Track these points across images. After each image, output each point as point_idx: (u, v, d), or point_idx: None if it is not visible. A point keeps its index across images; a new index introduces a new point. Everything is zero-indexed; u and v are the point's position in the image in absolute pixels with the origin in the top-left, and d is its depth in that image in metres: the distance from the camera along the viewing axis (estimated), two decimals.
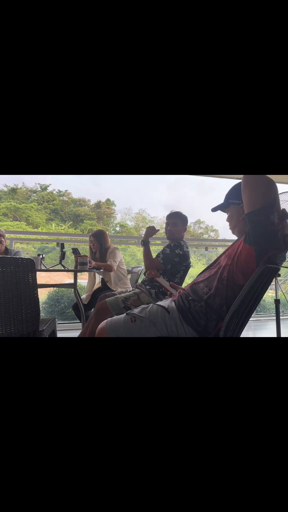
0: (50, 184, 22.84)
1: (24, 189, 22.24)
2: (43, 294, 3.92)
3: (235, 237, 1.02)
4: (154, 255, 1.77)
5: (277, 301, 2.22)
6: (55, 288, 3.53)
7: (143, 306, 1.00)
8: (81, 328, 2.06)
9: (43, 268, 2.17)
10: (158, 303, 0.99)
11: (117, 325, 0.96)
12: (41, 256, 2.10)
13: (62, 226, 20.10)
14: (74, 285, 2.01)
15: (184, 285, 1.66)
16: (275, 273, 0.86)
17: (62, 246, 2.35)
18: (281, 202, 0.97)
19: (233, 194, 1.00)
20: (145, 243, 1.78)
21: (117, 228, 23.72)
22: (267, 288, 0.88)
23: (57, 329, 1.65)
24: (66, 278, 4.70)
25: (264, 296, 0.91)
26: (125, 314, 0.99)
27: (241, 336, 0.88)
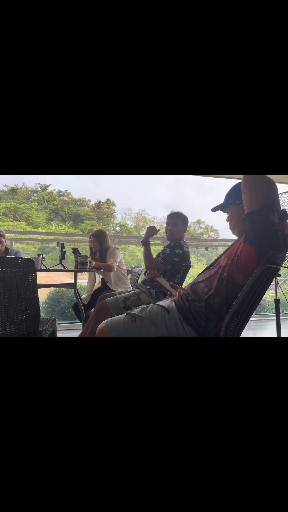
0: (50, 184, 22.87)
1: (24, 189, 22.25)
2: (43, 294, 3.92)
3: (235, 237, 1.02)
4: (154, 255, 1.77)
5: (277, 301, 2.22)
6: (55, 288, 3.53)
7: (143, 306, 1.00)
8: (81, 328, 2.06)
9: (43, 268, 2.17)
10: (158, 303, 0.99)
11: (117, 325, 0.96)
12: (41, 256, 2.10)
13: (62, 226, 20.11)
14: (74, 285, 2.01)
15: (184, 285, 1.66)
16: (275, 273, 0.86)
17: (62, 246, 2.35)
18: (281, 202, 0.97)
19: (233, 194, 1.00)
20: (146, 243, 1.78)
21: (117, 228, 23.72)
22: (267, 288, 0.88)
23: (57, 329, 1.65)
24: (66, 278, 4.70)
25: (264, 296, 0.91)
26: (125, 314, 0.99)
27: (241, 336, 0.88)
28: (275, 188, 0.80)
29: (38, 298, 1.27)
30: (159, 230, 1.86)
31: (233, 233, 1.03)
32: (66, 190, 23.75)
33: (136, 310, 0.98)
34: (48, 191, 22.73)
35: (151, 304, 0.99)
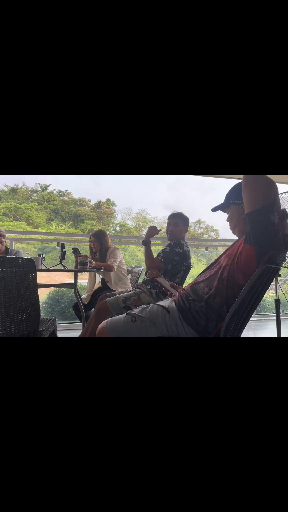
0: (51, 184, 22.86)
1: (24, 189, 22.25)
2: (43, 294, 3.93)
3: (235, 237, 1.02)
4: (155, 255, 1.77)
5: (277, 301, 2.21)
6: (55, 288, 3.53)
7: (143, 306, 1.00)
8: (81, 328, 2.06)
9: (43, 268, 2.18)
10: (159, 303, 0.99)
11: (118, 325, 0.96)
12: (41, 256, 2.10)
13: (62, 226, 20.11)
14: (74, 285, 2.01)
15: (184, 285, 1.66)
16: (275, 273, 0.86)
17: (63, 246, 2.35)
18: (281, 202, 0.97)
19: (234, 194, 1.00)
20: (146, 243, 1.78)
21: (117, 228, 23.72)
22: (268, 288, 0.88)
23: (57, 329, 1.65)
24: (66, 278, 4.70)
25: (264, 296, 0.91)
26: (125, 314, 0.99)
27: (241, 336, 0.88)
28: (275, 188, 0.80)
29: (38, 298, 1.27)
30: (160, 230, 1.86)
31: (233, 233, 1.03)
32: (66, 190, 23.76)
33: (136, 310, 0.98)
34: (48, 191, 22.74)
35: (151, 304, 0.99)
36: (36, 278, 1.25)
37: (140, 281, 2.11)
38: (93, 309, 2.18)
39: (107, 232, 2.42)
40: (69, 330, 3.06)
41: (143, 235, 1.84)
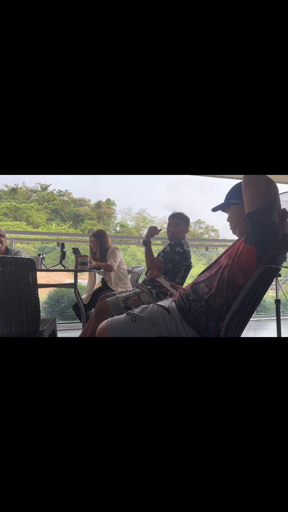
0: (51, 184, 22.86)
1: (25, 189, 22.25)
2: (43, 294, 3.93)
3: (235, 237, 1.02)
4: (155, 255, 1.77)
5: (277, 301, 2.21)
6: (55, 288, 3.53)
7: (143, 306, 1.00)
8: (81, 328, 2.06)
9: (43, 268, 2.18)
10: (159, 303, 0.99)
11: (118, 325, 0.96)
12: (41, 256, 2.10)
13: (62, 226, 20.10)
14: (74, 285, 2.01)
15: (185, 285, 1.66)
16: (275, 273, 0.86)
17: (63, 246, 2.35)
18: (281, 202, 0.97)
19: (234, 194, 1.00)
20: (147, 243, 1.78)
21: (118, 228, 23.72)
22: (268, 288, 0.88)
23: (57, 329, 1.65)
24: (67, 278, 4.70)
25: (265, 296, 0.91)
26: (125, 314, 0.99)
27: (241, 336, 0.88)
28: (276, 188, 0.80)
29: (38, 298, 1.27)
30: (160, 230, 1.86)
31: (234, 233, 1.03)
32: (66, 190, 23.76)
33: (136, 310, 0.98)
34: (48, 191, 22.74)
35: (152, 304, 0.99)
36: (36, 278, 1.26)
37: (140, 281, 2.11)
38: (93, 309, 2.18)
39: (107, 232, 2.42)
40: (69, 330, 3.07)
41: (143, 235, 1.84)
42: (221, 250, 3.96)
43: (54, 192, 22.94)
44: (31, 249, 4.57)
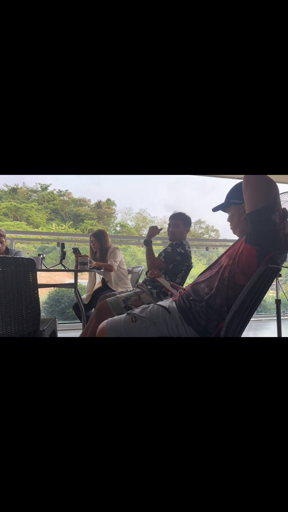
0: (51, 184, 22.87)
1: (25, 189, 22.26)
2: (43, 294, 3.93)
3: (236, 237, 1.02)
4: (156, 255, 1.77)
5: (278, 301, 2.21)
6: (55, 288, 3.53)
7: (143, 306, 1.00)
8: (81, 328, 2.06)
9: (43, 268, 2.18)
10: (159, 303, 0.99)
11: (118, 325, 0.96)
12: (41, 256, 2.10)
13: (62, 226, 20.11)
14: (74, 285, 2.01)
15: (185, 285, 1.66)
16: (276, 273, 0.86)
17: (63, 246, 2.35)
18: (281, 203, 0.97)
19: (234, 194, 1.00)
20: (148, 243, 1.78)
21: (118, 228, 23.71)
22: (268, 288, 0.88)
23: (57, 329, 1.65)
24: (67, 278, 4.70)
25: (265, 296, 0.91)
26: (125, 314, 0.99)
27: (242, 336, 0.88)
28: (276, 188, 0.80)
29: (38, 298, 1.27)
30: (161, 229, 1.86)
31: (234, 233, 1.02)
32: (67, 190, 23.77)
33: (136, 310, 0.98)
34: (48, 191, 22.75)
35: (152, 304, 0.99)
36: (36, 278, 1.26)
37: (140, 281, 2.11)
38: (93, 309, 2.18)
39: (107, 232, 2.42)
40: (69, 330, 3.07)
41: (143, 235, 1.84)
42: (222, 250, 3.96)
43: (54, 192, 22.95)
44: (31, 249, 4.57)
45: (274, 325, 3.01)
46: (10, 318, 1.19)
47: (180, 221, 1.81)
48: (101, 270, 2.23)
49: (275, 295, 2.39)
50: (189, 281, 1.77)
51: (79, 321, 2.32)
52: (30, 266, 1.23)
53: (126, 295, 1.59)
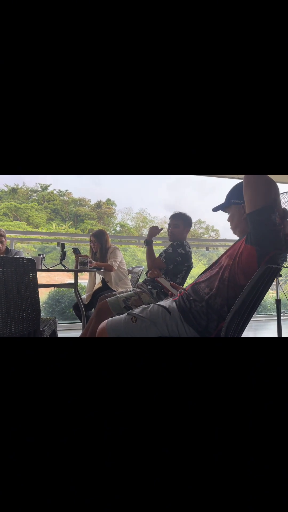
0: (51, 184, 22.85)
1: (25, 189, 22.25)
2: (43, 294, 3.93)
3: (236, 237, 1.02)
4: (157, 255, 1.77)
5: (278, 301, 2.21)
6: (55, 288, 3.53)
7: (143, 306, 1.00)
8: (81, 328, 2.06)
9: (43, 268, 2.18)
10: (159, 303, 0.99)
11: (118, 325, 0.96)
12: (41, 256, 2.10)
13: (62, 226, 20.10)
14: (74, 285, 2.01)
15: (185, 285, 1.66)
16: (276, 273, 0.86)
17: (63, 246, 2.35)
18: (282, 203, 0.97)
19: (234, 194, 1.00)
20: (148, 243, 1.78)
21: (118, 228, 23.70)
22: (268, 288, 0.88)
23: (57, 329, 1.65)
24: (67, 278, 4.70)
25: (265, 296, 0.91)
26: (126, 314, 0.99)
27: (242, 336, 0.88)
28: (276, 188, 0.80)
29: (38, 298, 1.27)
30: (161, 229, 1.86)
31: (234, 233, 1.02)
32: (67, 190, 23.76)
33: (137, 310, 0.98)
34: (48, 191, 22.74)
35: (152, 304, 0.99)
36: (36, 278, 1.26)
37: (140, 281, 2.11)
38: (93, 309, 2.18)
39: (107, 232, 2.42)
40: (69, 330, 3.07)
41: (143, 235, 1.84)
42: (222, 250, 3.96)
43: (54, 192, 22.95)
44: (31, 249, 4.57)
45: (274, 325, 3.00)
46: (10, 318, 1.19)
47: (180, 221, 1.81)
48: (101, 270, 2.23)
49: (275, 295, 2.39)
50: (189, 281, 1.77)
51: (79, 321, 2.32)
52: (30, 266, 1.23)
53: (126, 295, 1.58)
